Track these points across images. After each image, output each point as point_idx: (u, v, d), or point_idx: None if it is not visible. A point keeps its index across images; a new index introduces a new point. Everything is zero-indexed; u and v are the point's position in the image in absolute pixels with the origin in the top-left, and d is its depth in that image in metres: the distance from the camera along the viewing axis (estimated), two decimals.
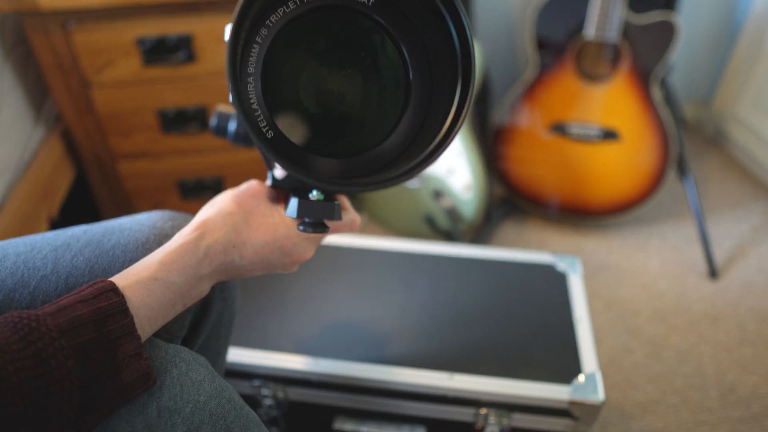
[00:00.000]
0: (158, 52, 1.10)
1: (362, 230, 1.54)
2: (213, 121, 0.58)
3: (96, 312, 0.37)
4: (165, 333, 0.53)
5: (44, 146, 1.15)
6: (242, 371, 0.84)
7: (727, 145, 1.84)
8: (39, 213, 1.09)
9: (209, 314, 0.61)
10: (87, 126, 1.19)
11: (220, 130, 0.57)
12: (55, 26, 1.04)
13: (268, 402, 0.87)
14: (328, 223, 0.50)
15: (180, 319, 0.55)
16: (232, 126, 0.57)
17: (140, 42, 1.08)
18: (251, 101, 0.40)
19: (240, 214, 0.48)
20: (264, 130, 0.40)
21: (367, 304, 0.92)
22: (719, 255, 1.44)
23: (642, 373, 1.16)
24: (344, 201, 0.56)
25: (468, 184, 1.36)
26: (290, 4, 0.39)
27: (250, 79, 0.40)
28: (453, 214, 1.39)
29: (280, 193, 0.54)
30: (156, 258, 0.44)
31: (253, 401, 0.88)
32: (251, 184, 0.52)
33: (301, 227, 0.47)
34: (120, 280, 0.41)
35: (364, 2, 0.40)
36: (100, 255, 0.52)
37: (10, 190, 1.03)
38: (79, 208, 1.31)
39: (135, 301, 0.41)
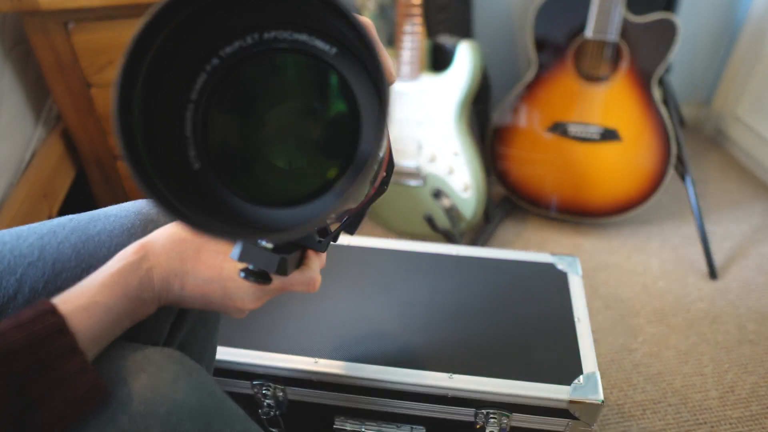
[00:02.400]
0: None
1: (362, 230, 1.54)
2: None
3: (31, 336, 0.37)
4: (146, 337, 0.53)
5: (44, 146, 1.15)
6: (242, 371, 0.84)
7: (727, 145, 1.84)
8: (39, 213, 1.09)
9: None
10: (87, 126, 1.19)
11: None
12: (55, 26, 1.04)
13: (268, 402, 0.87)
14: (277, 277, 0.46)
15: (160, 322, 0.55)
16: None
17: None
18: (185, 129, 0.38)
19: (191, 243, 0.47)
20: (192, 159, 0.38)
21: (367, 304, 0.92)
22: (719, 255, 1.44)
23: (642, 373, 1.16)
24: (310, 258, 0.52)
25: (468, 184, 1.36)
26: (248, 39, 0.37)
27: (190, 106, 0.37)
28: (453, 214, 1.39)
29: None
30: (97, 280, 0.43)
31: (253, 401, 0.88)
32: None
33: (241, 273, 0.44)
34: (61, 304, 0.41)
35: (326, 51, 0.37)
36: (86, 241, 0.52)
37: (11, 190, 1.03)
38: (79, 208, 1.31)
39: (76, 323, 0.40)
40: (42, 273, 0.50)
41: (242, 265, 0.45)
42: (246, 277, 0.43)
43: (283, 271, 0.43)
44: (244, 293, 0.48)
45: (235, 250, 0.43)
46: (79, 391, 0.38)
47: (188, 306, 0.49)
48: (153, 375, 0.42)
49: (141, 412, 0.40)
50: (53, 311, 0.39)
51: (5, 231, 0.53)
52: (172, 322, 0.58)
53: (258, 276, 0.44)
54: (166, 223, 0.53)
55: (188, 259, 0.47)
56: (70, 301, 0.41)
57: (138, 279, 0.44)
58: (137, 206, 0.56)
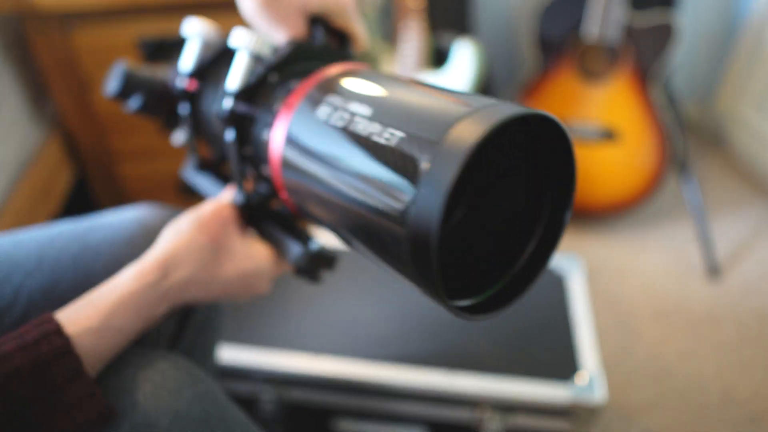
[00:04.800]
0: (159, 52, 1.10)
1: None
2: (116, 87, 0.57)
3: (35, 360, 0.36)
4: (148, 344, 0.53)
5: (44, 146, 1.15)
6: (242, 371, 0.84)
7: (728, 146, 1.84)
8: (39, 213, 1.09)
9: (197, 307, 0.61)
10: (87, 126, 1.19)
11: (125, 95, 0.57)
12: (55, 27, 1.04)
13: (267, 402, 0.87)
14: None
15: (163, 328, 0.55)
16: (135, 101, 0.57)
17: (141, 42, 1.08)
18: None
19: (209, 250, 0.45)
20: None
21: (367, 303, 0.92)
22: (719, 255, 1.44)
23: (642, 373, 1.16)
24: None
25: None
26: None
27: None
28: None
29: (245, 215, 0.51)
30: (109, 300, 0.42)
31: (253, 401, 0.88)
32: (220, 210, 0.48)
33: (299, 274, 0.48)
34: (69, 325, 0.39)
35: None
36: (85, 250, 0.51)
37: (10, 190, 1.03)
38: (79, 208, 1.31)
39: (84, 345, 0.39)
40: (40, 283, 0.49)
41: (278, 266, 0.50)
42: (303, 277, 0.49)
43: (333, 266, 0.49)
44: (264, 282, 0.50)
45: (294, 255, 0.47)
46: (85, 417, 0.37)
47: (202, 303, 0.50)
48: (157, 385, 0.42)
49: (144, 424, 0.40)
50: (59, 332, 0.38)
51: (2, 238, 0.52)
52: (174, 328, 0.58)
53: (313, 276, 0.49)
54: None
55: (211, 268, 0.46)
56: (78, 322, 0.40)
57: (155, 299, 0.43)
58: (138, 215, 0.55)
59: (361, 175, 0.34)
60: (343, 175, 0.35)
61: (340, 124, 0.37)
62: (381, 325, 0.89)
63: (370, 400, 0.84)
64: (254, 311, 0.91)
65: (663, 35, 1.31)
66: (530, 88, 1.46)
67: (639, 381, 1.15)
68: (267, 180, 0.48)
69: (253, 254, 0.48)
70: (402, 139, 0.32)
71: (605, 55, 1.37)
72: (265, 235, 0.51)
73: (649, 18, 1.31)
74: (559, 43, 1.40)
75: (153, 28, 1.07)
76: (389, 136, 0.33)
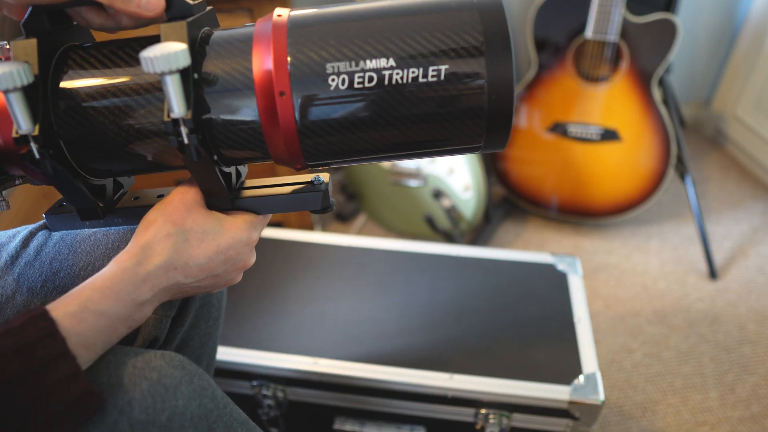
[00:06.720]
0: None
1: (362, 230, 1.54)
2: None
3: (19, 341, 0.37)
4: (147, 333, 0.53)
5: None
6: (242, 371, 0.84)
7: (727, 145, 1.84)
8: (39, 213, 1.09)
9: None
10: None
11: None
12: None
13: (268, 402, 0.87)
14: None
15: (161, 317, 0.56)
16: None
17: None
18: None
19: (178, 234, 0.46)
20: None
21: (367, 304, 0.92)
22: (719, 255, 1.44)
23: (642, 373, 1.16)
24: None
25: (468, 184, 1.36)
26: None
27: None
28: (453, 214, 1.39)
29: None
30: (87, 285, 0.42)
31: (253, 401, 0.88)
32: (183, 197, 0.48)
33: (318, 212, 0.50)
34: (52, 310, 0.40)
35: None
36: (82, 240, 0.53)
37: (10, 189, 1.03)
38: None
39: (67, 328, 0.39)
40: (39, 272, 0.50)
41: (252, 224, 0.50)
42: (319, 213, 0.50)
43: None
44: (244, 254, 0.50)
45: (317, 202, 0.49)
46: (71, 397, 0.37)
47: (194, 293, 0.49)
48: (154, 381, 0.42)
49: (142, 420, 0.40)
50: (44, 315, 0.39)
51: (1, 233, 0.53)
52: (173, 317, 0.58)
53: (329, 207, 0.51)
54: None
55: (183, 250, 0.46)
56: (60, 307, 0.40)
57: (133, 283, 0.43)
58: None
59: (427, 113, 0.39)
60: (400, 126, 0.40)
61: (371, 84, 0.38)
62: (381, 326, 0.89)
63: (370, 400, 0.84)
64: (256, 314, 0.91)
65: (663, 35, 1.31)
66: (530, 89, 1.46)
67: (639, 381, 1.15)
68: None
69: (225, 229, 0.48)
70: (447, 70, 0.38)
71: (605, 55, 1.37)
72: (259, 208, 0.51)
73: (649, 18, 1.31)
74: (559, 43, 1.40)
75: (154, 28, 1.07)
76: (434, 73, 0.38)
